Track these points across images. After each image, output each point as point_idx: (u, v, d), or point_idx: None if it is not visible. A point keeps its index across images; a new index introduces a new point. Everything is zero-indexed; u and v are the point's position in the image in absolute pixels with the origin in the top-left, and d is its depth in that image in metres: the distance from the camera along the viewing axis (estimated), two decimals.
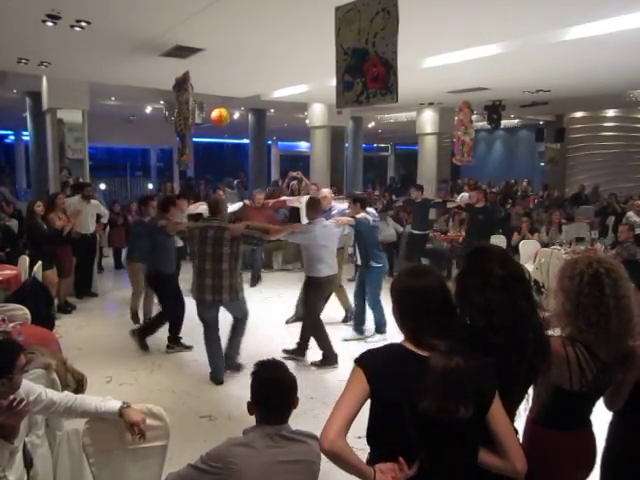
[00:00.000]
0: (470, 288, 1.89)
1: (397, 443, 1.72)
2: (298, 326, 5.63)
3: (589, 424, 2.23)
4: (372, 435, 1.79)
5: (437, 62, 7.01)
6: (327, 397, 4.42)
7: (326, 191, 7.09)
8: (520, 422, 2.08)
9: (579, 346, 2.05)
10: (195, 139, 16.54)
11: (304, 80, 9.04)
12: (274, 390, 2.01)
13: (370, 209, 6.41)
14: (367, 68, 3.76)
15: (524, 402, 2.01)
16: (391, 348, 1.80)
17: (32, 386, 2.32)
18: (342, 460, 1.64)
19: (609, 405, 2.23)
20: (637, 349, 2.12)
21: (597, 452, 2.23)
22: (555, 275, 2.26)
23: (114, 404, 2.41)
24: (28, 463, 2.31)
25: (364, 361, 1.75)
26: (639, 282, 2.31)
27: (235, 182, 15.20)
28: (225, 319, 5.09)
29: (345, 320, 6.66)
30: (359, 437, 1.84)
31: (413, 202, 9.03)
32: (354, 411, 1.69)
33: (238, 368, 5.03)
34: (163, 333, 5.80)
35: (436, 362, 1.64)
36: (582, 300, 2.02)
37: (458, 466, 1.72)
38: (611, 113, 15.65)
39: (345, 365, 5.03)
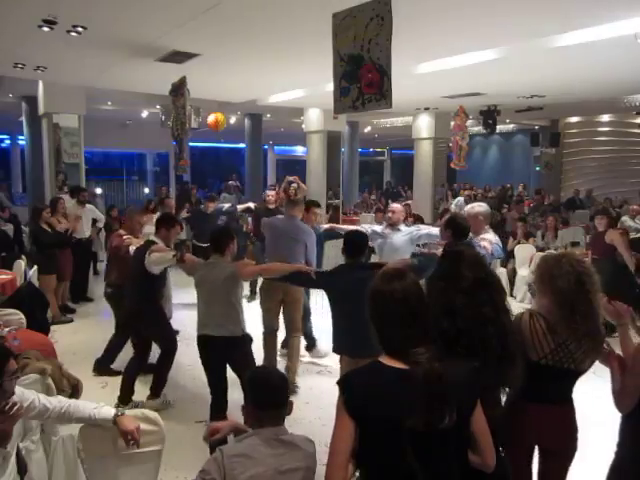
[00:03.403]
0: (437, 290, 1.93)
1: (385, 463, 1.70)
2: None
3: (563, 401, 2.31)
4: (359, 456, 1.73)
5: (432, 67, 7.05)
6: (321, 401, 4.43)
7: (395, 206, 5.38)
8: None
9: (538, 318, 2.20)
10: (191, 143, 16.53)
11: (300, 85, 9.07)
12: (265, 385, 2.02)
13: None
14: (362, 74, 3.78)
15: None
16: (370, 367, 1.76)
17: (25, 392, 2.30)
18: None
19: (616, 405, 2.27)
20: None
21: (574, 427, 2.32)
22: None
23: (108, 411, 2.39)
24: (22, 469, 2.29)
25: (344, 386, 1.74)
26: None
27: (229, 183, 15.05)
28: None
29: None
30: None
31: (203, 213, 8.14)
32: (349, 448, 1.68)
33: None
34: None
35: (417, 376, 1.62)
36: (573, 303, 2.16)
37: (451, 473, 1.72)
38: (606, 118, 15.75)
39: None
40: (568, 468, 2.36)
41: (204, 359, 3.82)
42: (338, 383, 1.75)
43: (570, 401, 2.34)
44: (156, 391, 4.55)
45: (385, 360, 1.72)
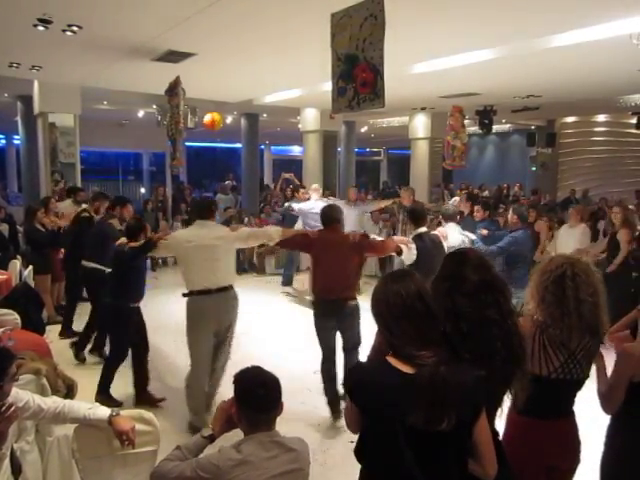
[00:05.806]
0: (440, 292, 1.89)
1: (384, 464, 1.70)
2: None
3: (569, 414, 2.26)
4: (361, 451, 1.76)
5: (429, 67, 7.06)
6: (319, 402, 4.43)
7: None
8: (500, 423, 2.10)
9: (546, 332, 2.13)
10: (188, 143, 16.51)
11: (296, 85, 9.07)
12: (260, 386, 1.99)
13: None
14: (356, 73, 3.79)
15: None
16: (376, 366, 1.77)
17: (20, 393, 2.30)
18: None
19: (604, 408, 2.26)
20: (623, 349, 2.19)
21: (578, 442, 2.26)
22: None
23: (103, 412, 2.39)
24: (16, 469, 2.29)
25: (349, 381, 1.79)
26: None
27: (226, 184, 15.01)
28: None
29: None
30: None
31: None
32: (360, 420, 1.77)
33: None
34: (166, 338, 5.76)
35: (422, 378, 1.62)
36: (545, 295, 2.12)
37: (449, 478, 1.72)
38: (601, 118, 15.79)
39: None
40: None
41: None
42: (347, 380, 1.83)
43: (573, 413, 2.28)
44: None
45: (392, 360, 1.72)
